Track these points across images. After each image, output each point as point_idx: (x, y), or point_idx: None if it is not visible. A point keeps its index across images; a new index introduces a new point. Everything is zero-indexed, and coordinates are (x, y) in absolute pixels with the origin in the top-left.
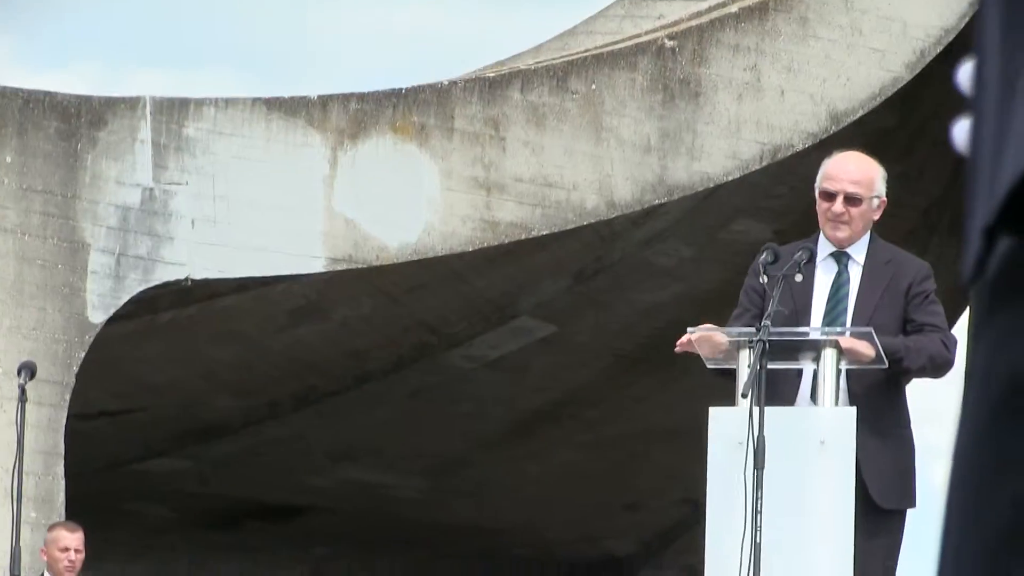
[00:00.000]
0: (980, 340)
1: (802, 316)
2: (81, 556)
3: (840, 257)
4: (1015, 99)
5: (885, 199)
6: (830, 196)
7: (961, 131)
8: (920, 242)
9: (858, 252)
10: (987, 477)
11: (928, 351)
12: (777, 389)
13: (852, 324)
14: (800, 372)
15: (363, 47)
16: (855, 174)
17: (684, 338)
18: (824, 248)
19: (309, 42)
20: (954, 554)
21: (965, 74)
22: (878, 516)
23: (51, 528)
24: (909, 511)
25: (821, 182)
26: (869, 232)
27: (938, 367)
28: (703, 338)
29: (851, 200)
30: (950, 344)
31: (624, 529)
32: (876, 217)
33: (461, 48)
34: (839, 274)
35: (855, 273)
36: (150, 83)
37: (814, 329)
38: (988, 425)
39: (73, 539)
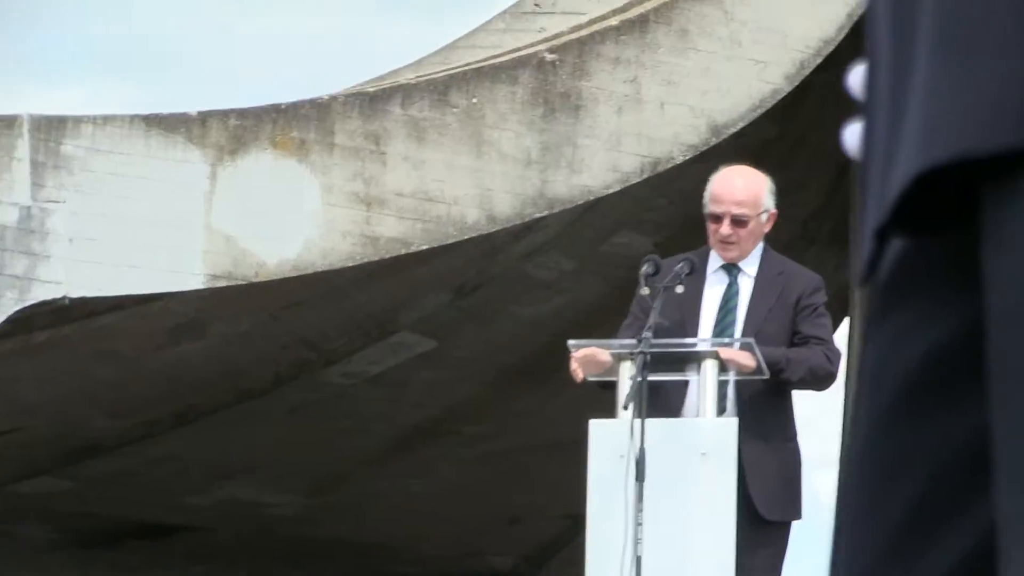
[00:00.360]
0: (871, 342)
1: (691, 327)
2: None
3: (731, 269)
4: (906, 101)
5: (775, 211)
6: (717, 218)
7: (852, 135)
8: (799, 253)
9: (750, 265)
10: (880, 479)
11: (809, 363)
12: (665, 400)
13: (741, 335)
14: (687, 384)
15: (246, 61)
16: (740, 194)
17: (573, 364)
18: (716, 260)
19: (191, 58)
20: (847, 558)
21: (856, 78)
22: (763, 528)
23: None
24: (795, 523)
25: (708, 203)
26: (761, 243)
27: (820, 379)
28: (587, 357)
29: (738, 222)
30: (833, 357)
31: (506, 544)
32: (766, 230)
33: (341, 62)
34: (729, 286)
35: (745, 285)
36: (28, 102)
37: (694, 340)
38: (880, 428)
39: None
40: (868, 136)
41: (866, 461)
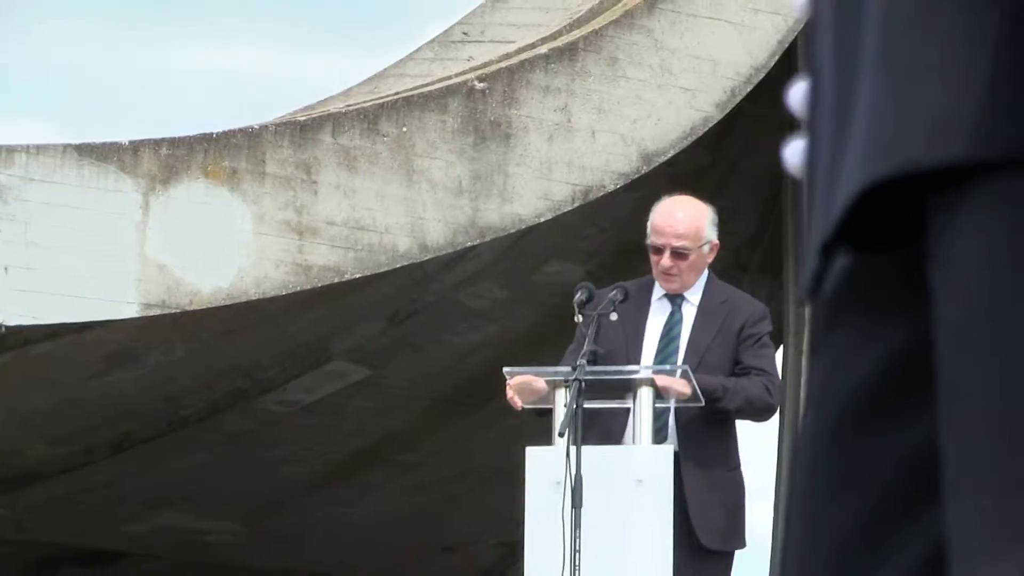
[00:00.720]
0: (816, 358)
1: (634, 354)
2: None
3: (675, 298)
4: (850, 118)
5: (717, 242)
6: (658, 250)
7: (793, 152)
8: (732, 281)
9: (693, 294)
10: (827, 495)
11: (746, 393)
12: (607, 428)
13: (683, 363)
14: (628, 411)
15: (175, 91)
16: (681, 227)
17: (509, 392)
18: (660, 289)
19: (119, 89)
20: (795, 572)
21: (797, 94)
22: (704, 557)
23: None
24: (738, 552)
25: (649, 235)
26: (706, 272)
27: (758, 411)
28: (522, 385)
29: (678, 255)
30: (773, 389)
31: (441, 573)
32: (709, 261)
33: (270, 90)
34: (672, 314)
35: (688, 313)
36: None
37: (630, 368)
38: (826, 444)
39: None
40: (811, 153)
41: (813, 477)
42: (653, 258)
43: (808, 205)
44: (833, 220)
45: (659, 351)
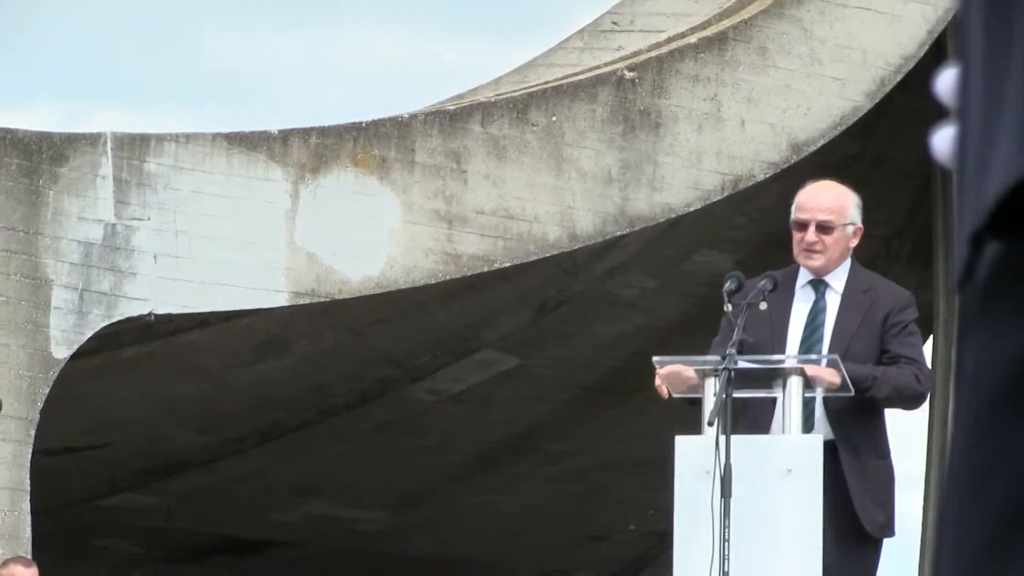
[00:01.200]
0: (969, 342)
1: (778, 343)
2: None
3: (818, 285)
4: (1001, 107)
5: (861, 226)
6: (802, 226)
7: (942, 140)
8: (881, 271)
9: (837, 280)
10: (980, 476)
11: (896, 382)
12: (753, 417)
13: (828, 352)
14: (775, 401)
15: (323, 80)
16: (826, 203)
17: (657, 381)
18: (804, 276)
19: (271, 77)
20: (950, 550)
21: (945, 83)
22: (855, 545)
23: (5, 564)
24: (888, 541)
25: (794, 213)
26: (849, 260)
27: (907, 399)
28: (671, 374)
29: (823, 228)
30: (923, 377)
31: (591, 561)
32: (853, 244)
33: (420, 81)
34: (816, 302)
35: (833, 301)
36: (112, 121)
37: (780, 357)
38: (980, 426)
39: (28, 574)
40: (961, 142)
41: (967, 458)
42: (796, 236)
43: (958, 194)
44: (983, 211)
45: (804, 339)
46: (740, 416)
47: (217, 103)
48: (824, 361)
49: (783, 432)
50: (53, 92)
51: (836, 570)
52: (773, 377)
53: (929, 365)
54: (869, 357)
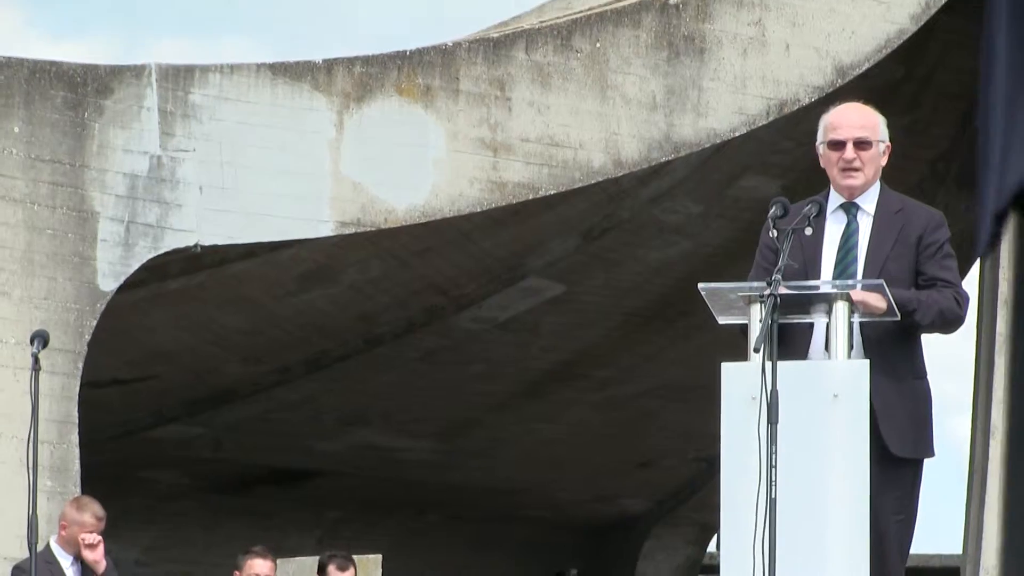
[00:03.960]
0: None
1: (812, 268)
2: (102, 545)
3: (850, 208)
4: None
5: (890, 144)
6: (839, 145)
7: None
8: (928, 194)
9: (868, 202)
10: None
11: (939, 306)
12: (790, 343)
13: (863, 275)
14: (811, 325)
15: (368, 10)
16: (858, 120)
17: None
18: (834, 200)
19: (323, 8)
20: None
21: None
22: (895, 466)
23: (79, 507)
24: (933, 463)
25: (827, 134)
26: (879, 182)
27: (948, 323)
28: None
29: (861, 145)
30: (962, 300)
31: (638, 488)
32: (883, 163)
33: (464, 8)
34: (848, 225)
35: (865, 224)
36: (166, 53)
37: (826, 282)
38: None
39: (99, 526)
40: (986, 118)
41: None
42: (833, 156)
43: (982, 171)
44: (1007, 194)
45: (838, 263)
46: (780, 342)
47: (271, 36)
48: (858, 286)
49: (822, 356)
50: (107, 23)
51: (875, 492)
52: (813, 302)
53: (976, 285)
54: (905, 278)
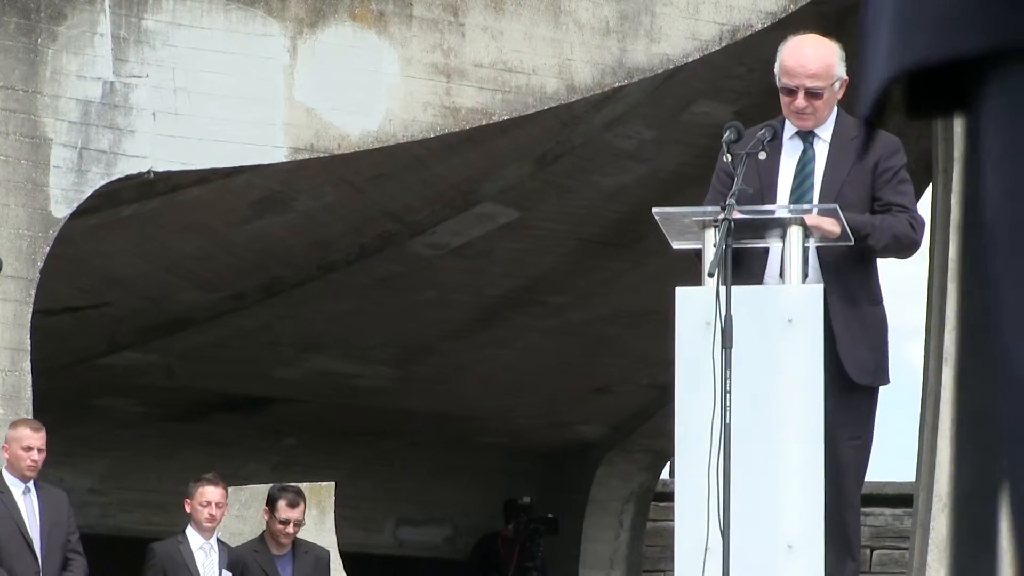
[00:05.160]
0: None
1: (768, 194)
2: (43, 455)
3: (806, 135)
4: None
5: (847, 78)
6: (791, 91)
7: None
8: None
9: (824, 130)
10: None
11: (894, 230)
12: (746, 267)
13: (819, 201)
14: (767, 250)
15: None
16: (813, 66)
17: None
18: (790, 127)
19: None
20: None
21: None
22: (852, 392)
23: (14, 425)
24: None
25: (780, 76)
26: (836, 107)
27: (903, 247)
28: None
29: (812, 94)
30: (917, 225)
31: (594, 414)
32: (839, 97)
33: None
34: (804, 152)
35: (821, 150)
36: None
37: (780, 207)
38: None
39: (36, 438)
40: (865, 22)
41: None
42: (785, 99)
43: (861, 62)
44: (868, 102)
45: (794, 189)
46: (734, 267)
47: None
48: (815, 211)
49: (776, 282)
50: None
51: (832, 418)
52: (767, 227)
53: (929, 213)
54: (861, 204)
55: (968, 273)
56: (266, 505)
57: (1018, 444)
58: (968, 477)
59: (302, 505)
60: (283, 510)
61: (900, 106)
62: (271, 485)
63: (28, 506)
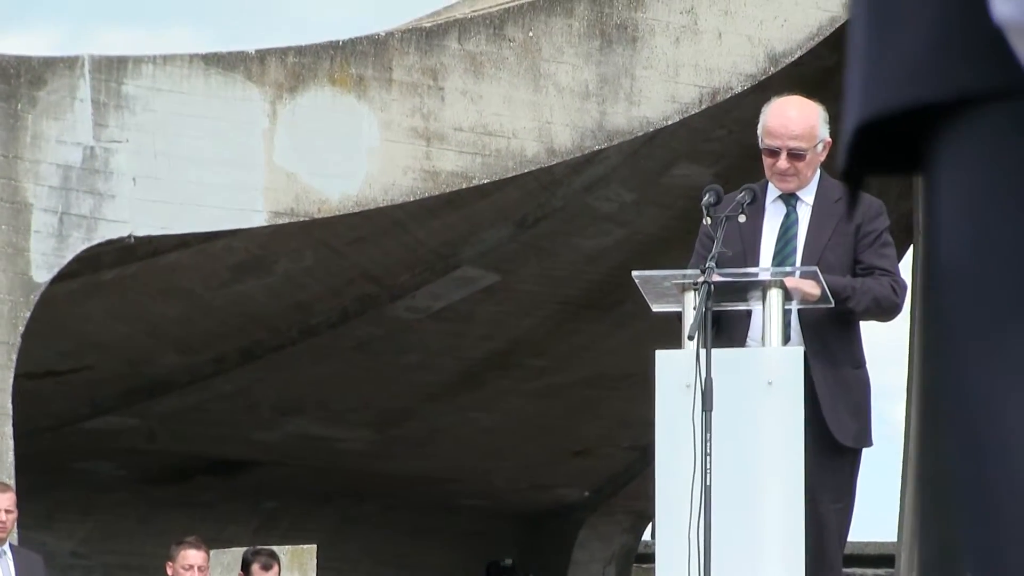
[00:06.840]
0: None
1: (751, 257)
2: (13, 516)
3: (789, 198)
4: (856, 53)
5: (830, 140)
6: (773, 152)
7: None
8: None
9: (807, 193)
10: None
11: (874, 293)
12: (728, 330)
13: (802, 264)
14: (749, 313)
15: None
16: (796, 128)
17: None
18: (773, 190)
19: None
20: None
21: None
22: (834, 454)
23: None
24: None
25: (763, 138)
26: (819, 169)
27: (884, 310)
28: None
29: (795, 156)
30: (899, 288)
31: (574, 476)
32: (822, 159)
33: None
34: (787, 215)
35: (804, 213)
36: (111, 44)
37: (759, 269)
38: None
39: (4, 499)
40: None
41: None
42: (767, 160)
43: (848, 87)
44: (843, 150)
45: (777, 252)
46: (715, 330)
47: (217, 25)
48: (800, 273)
49: (758, 345)
50: (54, 14)
51: (814, 480)
52: (749, 290)
53: (910, 272)
54: (843, 267)
55: (928, 337)
56: (240, 570)
57: (976, 514)
58: (931, 547)
59: (276, 567)
60: (257, 573)
61: (863, 160)
62: (245, 549)
63: (4, 570)
